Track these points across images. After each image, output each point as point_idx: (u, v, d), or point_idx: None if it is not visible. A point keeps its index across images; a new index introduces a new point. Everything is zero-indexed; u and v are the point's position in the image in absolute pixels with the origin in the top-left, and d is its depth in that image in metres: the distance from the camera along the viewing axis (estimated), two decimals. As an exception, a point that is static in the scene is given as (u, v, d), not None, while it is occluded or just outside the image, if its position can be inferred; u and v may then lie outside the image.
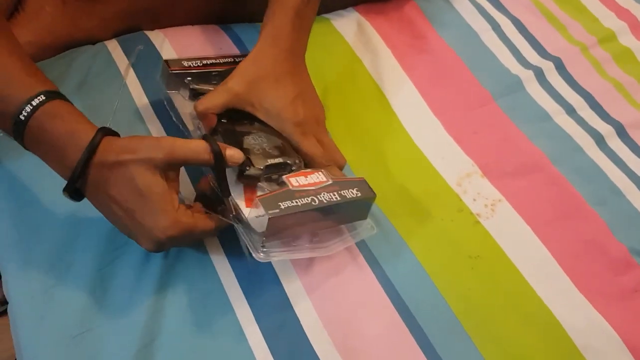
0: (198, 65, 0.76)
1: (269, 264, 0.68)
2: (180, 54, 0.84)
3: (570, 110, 0.88)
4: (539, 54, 0.94)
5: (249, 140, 0.68)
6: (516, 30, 0.97)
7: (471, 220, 0.75)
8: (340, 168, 0.71)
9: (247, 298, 0.66)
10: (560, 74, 0.92)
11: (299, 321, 0.65)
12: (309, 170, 0.66)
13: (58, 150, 0.59)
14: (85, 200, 0.61)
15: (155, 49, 0.84)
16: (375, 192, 0.66)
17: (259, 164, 0.65)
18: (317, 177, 0.64)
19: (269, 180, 0.66)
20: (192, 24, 0.89)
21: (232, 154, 0.62)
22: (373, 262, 0.70)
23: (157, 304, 0.64)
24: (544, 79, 0.91)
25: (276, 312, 0.65)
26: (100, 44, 0.84)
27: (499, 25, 0.97)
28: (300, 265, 0.68)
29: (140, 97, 0.79)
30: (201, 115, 0.70)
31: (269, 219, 0.59)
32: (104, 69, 0.81)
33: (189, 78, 0.75)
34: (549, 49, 0.95)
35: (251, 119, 0.71)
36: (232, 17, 0.91)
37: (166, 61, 0.75)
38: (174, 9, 0.88)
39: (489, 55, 0.93)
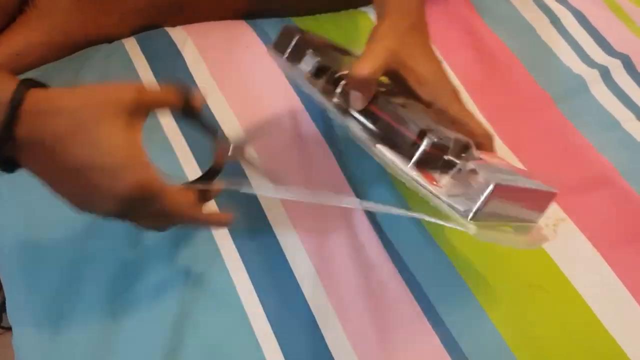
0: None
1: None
2: (203, 52, 0.80)
3: (641, 115, 0.84)
4: (604, 51, 0.89)
5: (411, 116, 0.58)
6: (578, 24, 0.92)
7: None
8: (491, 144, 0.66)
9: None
10: (629, 73, 0.87)
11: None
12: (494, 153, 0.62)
13: None
14: (95, 224, 0.54)
15: (176, 47, 0.81)
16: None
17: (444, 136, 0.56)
18: (506, 162, 0.61)
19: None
20: (217, 19, 0.86)
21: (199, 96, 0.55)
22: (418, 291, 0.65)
23: (174, 342, 0.60)
24: (611, 79, 0.86)
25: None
26: (117, 43, 0.82)
27: (559, 19, 0.92)
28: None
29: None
30: (363, 84, 0.59)
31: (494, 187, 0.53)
32: (120, 69, 0.78)
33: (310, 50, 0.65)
34: (616, 46, 0.90)
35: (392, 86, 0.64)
36: (259, 12, 0.87)
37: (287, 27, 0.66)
38: (197, 3, 0.85)
39: (547, 53, 0.89)
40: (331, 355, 0.60)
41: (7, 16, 0.77)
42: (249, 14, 0.87)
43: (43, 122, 0.48)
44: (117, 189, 0.49)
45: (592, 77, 0.86)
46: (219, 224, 0.62)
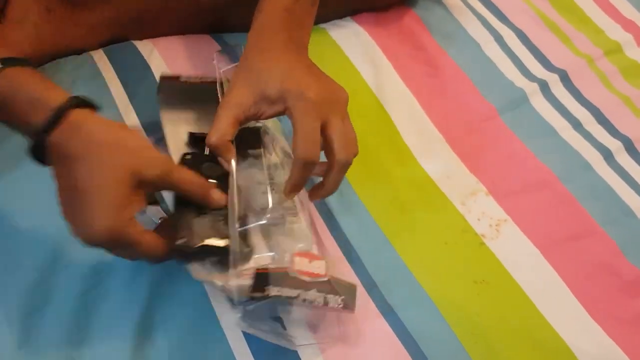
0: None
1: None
2: (169, 64, 0.83)
3: (577, 125, 0.87)
4: (543, 66, 0.94)
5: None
6: (520, 42, 0.96)
7: (476, 241, 0.75)
8: (344, 164, 0.63)
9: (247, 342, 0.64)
10: (566, 86, 0.92)
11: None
12: (316, 254, 0.63)
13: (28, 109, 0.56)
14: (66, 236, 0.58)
15: (144, 59, 0.83)
16: (353, 305, 0.62)
17: (195, 240, 0.60)
18: (317, 268, 0.61)
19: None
20: (183, 33, 0.88)
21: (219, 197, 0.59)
22: (371, 287, 0.69)
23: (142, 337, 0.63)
24: (549, 92, 0.91)
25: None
26: (85, 55, 0.83)
27: (502, 37, 0.96)
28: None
29: (125, 108, 0.78)
30: (217, 150, 0.62)
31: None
32: (89, 80, 0.80)
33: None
34: (554, 62, 0.95)
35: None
36: (224, 26, 0.89)
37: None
38: (163, 18, 0.86)
39: (492, 68, 0.93)
40: None
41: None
42: (214, 29, 0.88)
43: (73, 140, 0.55)
44: (93, 227, 0.54)
45: (532, 90, 0.90)
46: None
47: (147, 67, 0.82)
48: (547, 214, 0.78)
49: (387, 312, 0.67)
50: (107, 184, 0.54)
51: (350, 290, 0.63)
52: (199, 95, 0.72)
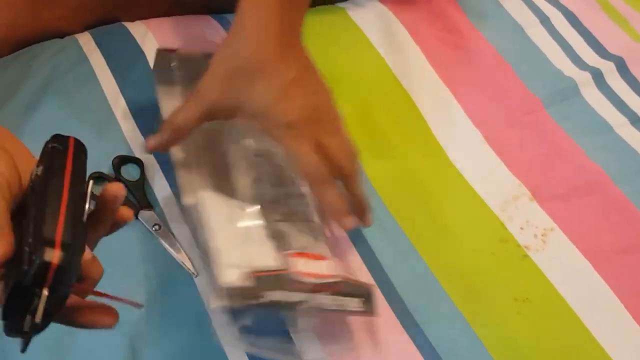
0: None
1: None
2: None
3: (635, 120, 0.87)
4: (596, 52, 0.94)
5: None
6: (569, 25, 0.96)
7: (518, 253, 0.74)
8: (349, 179, 0.66)
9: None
10: (622, 76, 0.92)
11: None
12: (318, 254, 0.63)
13: None
14: None
15: (137, 42, 0.83)
16: (373, 307, 0.62)
17: None
18: (324, 268, 0.61)
19: None
20: (178, 14, 0.88)
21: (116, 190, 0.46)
22: (394, 298, 0.69)
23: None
24: (604, 82, 0.91)
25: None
26: (69, 38, 0.84)
27: (549, 19, 0.96)
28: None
29: (115, 98, 0.79)
30: (173, 138, 0.66)
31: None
32: (73, 67, 0.81)
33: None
34: (609, 47, 0.94)
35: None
36: (225, 4, 0.89)
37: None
38: None
39: (537, 54, 0.92)
40: None
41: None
42: (213, 8, 0.89)
43: None
44: None
45: (583, 80, 0.89)
46: None
47: (140, 52, 0.82)
48: (599, 221, 0.78)
49: (411, 326, 0.67)
50: None
51: (368, 291, 0.62)
52: (197, 70, 0.72)
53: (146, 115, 0.77)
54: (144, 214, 0.70)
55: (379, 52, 0.89)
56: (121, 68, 0.81)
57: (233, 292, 0.57)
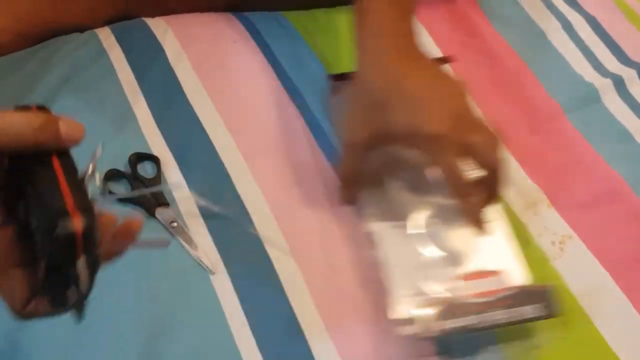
0: None
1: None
2: (186, 45, 0.83)
3: (656, 129, 0.86)
4: (618, 59, 0.93)
5: None
6: (591, 31, 0.96)
7: (537, 258, 0.73)
8: (495, 180, 0.66)
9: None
10: None
11: None
12: (487, 271, 0.65)
13: None
14: None
15: (156, 38, 0.83)
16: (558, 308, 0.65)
17: None
18: (496, 283, 0.64)
19: None
20: (200, 11, 0.89)
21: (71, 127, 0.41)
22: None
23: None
24: (625, 89, 0.90)
25: None
26: (89, 32, 0.84)
27: (571, 24, 0.96)
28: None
29: (134, 94, 0.79)
30: (349, 190, 0.72)
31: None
32: (93, 61, 0.81)
33: None
34: (631, 54, 0.94)
35: None
36: (247, 3, 0.90)
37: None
38: None
39: (558, 60, 0.92)
40: None
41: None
42: (235, 6, 0.89)
43: None
44: None
45: (605, 87, 0.89)
46: None
47: (159, 49, 0.83)
48: (619, 230, 0.77)
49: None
50: None
51: (546, 293, 0.65)
52: None
53: (164, 112, 0.77)
54: (161, 212, 0.70)
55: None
56: (140, 64, 0.81)
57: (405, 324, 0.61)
